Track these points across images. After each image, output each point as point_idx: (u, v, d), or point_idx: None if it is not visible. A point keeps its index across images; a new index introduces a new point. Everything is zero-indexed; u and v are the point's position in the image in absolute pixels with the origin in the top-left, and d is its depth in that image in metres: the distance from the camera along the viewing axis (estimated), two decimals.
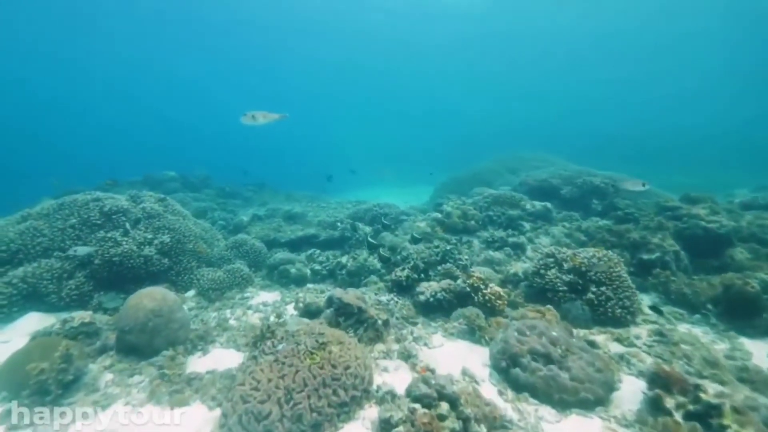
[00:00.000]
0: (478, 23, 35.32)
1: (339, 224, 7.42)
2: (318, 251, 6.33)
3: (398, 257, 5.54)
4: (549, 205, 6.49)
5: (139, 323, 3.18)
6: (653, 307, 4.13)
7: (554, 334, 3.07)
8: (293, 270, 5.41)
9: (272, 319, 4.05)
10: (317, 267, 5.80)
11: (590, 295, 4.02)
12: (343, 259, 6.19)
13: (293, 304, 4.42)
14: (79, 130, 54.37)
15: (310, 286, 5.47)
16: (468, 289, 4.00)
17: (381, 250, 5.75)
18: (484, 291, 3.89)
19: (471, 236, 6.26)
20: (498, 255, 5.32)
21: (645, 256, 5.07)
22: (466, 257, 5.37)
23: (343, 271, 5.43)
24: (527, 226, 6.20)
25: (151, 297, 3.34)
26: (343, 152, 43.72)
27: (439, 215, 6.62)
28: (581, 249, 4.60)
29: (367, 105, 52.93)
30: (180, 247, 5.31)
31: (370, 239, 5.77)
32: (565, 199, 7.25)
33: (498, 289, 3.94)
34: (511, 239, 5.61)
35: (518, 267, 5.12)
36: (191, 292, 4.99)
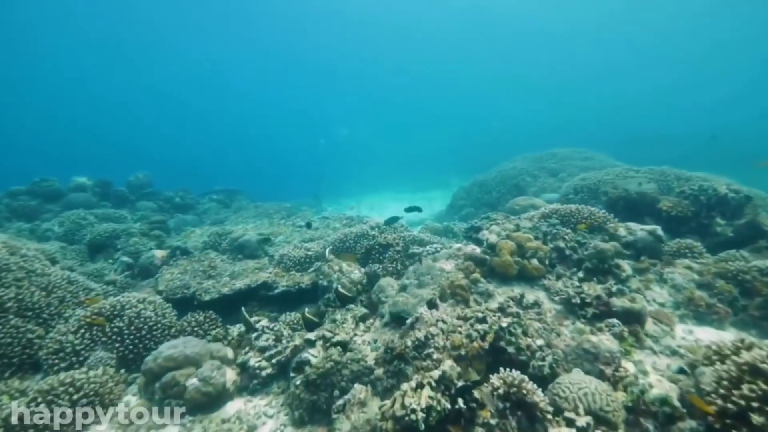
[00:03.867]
0: (500, 20, 33.93)
1: (316, 262, 5.01)
2: (264, 322, 3.87)
3: (408, 344, 3.12)
4: (659, 230, 4.09)
5: None
6: None
7: None
8: (194, 382, 2.95)
9: None
10: (254, 361, 3.37)
11: None
12: (312, 335, 3.77)
13: None
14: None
15: (233, 410, 3.03)
16: None
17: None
18: None
19: (533, 286, 3.86)
20: (604, 341, 2.90)
21: None
22: (540, 342, 2.96)
23: (298, 382, 2.99)
24: (627, 267, 3.79)
25: None
26: (345, 154, 41.42)
27: (477, 249, 4.21)
28: None
29: (374, 102, 50.81)
30: None
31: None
32: (665, 217, 4.88)
33: None
34: (618, 302, 3.19)
35: (653, 374, 2.72)
36: None
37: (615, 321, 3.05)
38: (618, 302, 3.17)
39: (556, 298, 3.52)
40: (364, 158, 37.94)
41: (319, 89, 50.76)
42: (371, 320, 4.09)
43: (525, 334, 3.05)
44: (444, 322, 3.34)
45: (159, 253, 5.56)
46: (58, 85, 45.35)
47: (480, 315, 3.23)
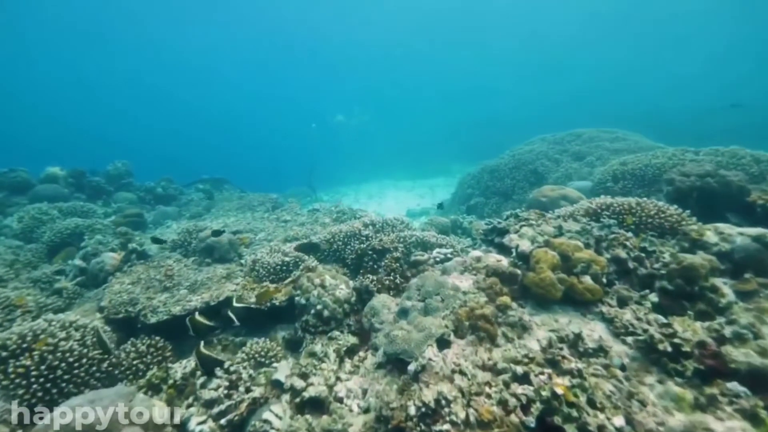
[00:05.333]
0: None
1: (294, 271, 3.92)
2: (218, 366, 2.81)
3: (411, 411, 2.04)
4: None
5: None
6: None
7: None
8: None
9: None
10: (196, 423, 2.36)
11: None
12: (280, 374, 2.74)
13: None
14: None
15: None
16: None
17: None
18: None
19: (585, 315, 2.72)
20: (736, 429, 1.75)
21: None
22: (620, 422, 1.85)
23: None
24: (728, 291, 2.60)
25: None
26: (341, 140, 39.47)
27: (503, 260, 3.06)
28: None
29: (369, 85, 48.13)
30: None
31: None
32: (760, 214, 3.62)
33: None
34: (738, 354, 2.03)
35: None
36: None
37: (739, 387, 1.89)
38: (738, 354, 2.01)
39: (629, 339, 2.36)
40: (362, 145, 36.30)
41: (312, 73, 48.45)
42: (362, 353, 3.02)
43: (592, 404, 1.93)
44: (463, 374, 2.25)
45: (111, 257, 4.53)
46: (36, 74, 43.14)
47: (519, 369, 2.12)
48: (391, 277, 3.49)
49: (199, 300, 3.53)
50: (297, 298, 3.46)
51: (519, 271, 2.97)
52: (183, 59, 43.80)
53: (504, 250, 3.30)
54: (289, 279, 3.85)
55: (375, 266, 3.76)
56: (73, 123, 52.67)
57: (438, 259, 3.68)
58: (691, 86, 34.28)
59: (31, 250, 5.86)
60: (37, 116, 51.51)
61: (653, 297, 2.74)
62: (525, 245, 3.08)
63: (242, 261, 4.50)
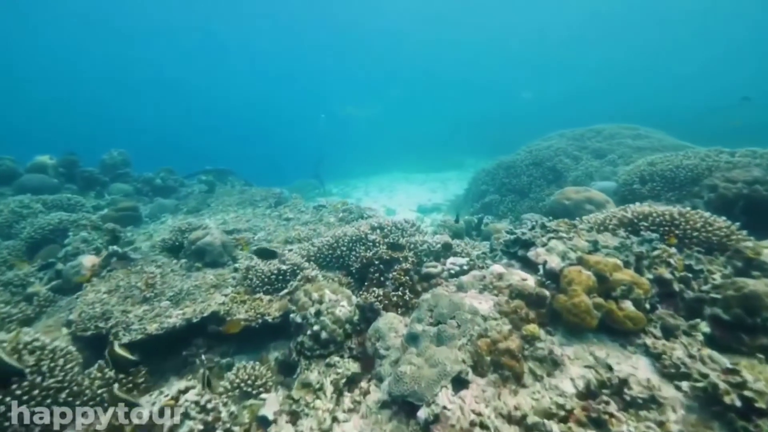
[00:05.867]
0: None
1: (291, 281, 3.54)
2: (192, 394, 2.45)
3: None
4: None
5: None
6: None
7: None
8: None
9: None
10: None
11: None
12: (268, 410, 2.39)
13: None
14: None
15: None
16: None
17: None
18: None
19: (625, 347, 2.33)
20: None
21: None
22: None
23: None
24: None
25: None
26: (351, 131, 38.74)
27: (529, 279, 2.66)
28: None
29: (380, 75, 46.91)
30: None
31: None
32: None
33: None
34: None
35: None
36: None
37: None
38: None
39: (684, 385, 1.97)
40: (372, 136, 35.53)
41: (321, 63, 47.19)
42: (364, 383, 2.64)
43: None
44: (485, 428, 1.87)
45: (88, 261, 4.15)
46: (33, 55, 41.38)
47: (555, 429, 1.73)
48: (400, 293, 3.09)
49: (180, 316, 3.14)
50: (292, 315, 3.08)
51: (547, 293, 2.56)
52: (189, 46, 42.61)
53: (528, 265, 2.90)
54: (285, 291, 3.48)
55: (382, 278, 3.36)
56: (70, 111, 51.74)
57: (453, 272, 3.28)
58: (691, 85, 33.36)
59: (8, 248, 5.49)
60: (32, 102, 50.49)
61: (704, 327, 2.35)
62: (554, 262, 2.67)
63: (236, 265, 4.11)
